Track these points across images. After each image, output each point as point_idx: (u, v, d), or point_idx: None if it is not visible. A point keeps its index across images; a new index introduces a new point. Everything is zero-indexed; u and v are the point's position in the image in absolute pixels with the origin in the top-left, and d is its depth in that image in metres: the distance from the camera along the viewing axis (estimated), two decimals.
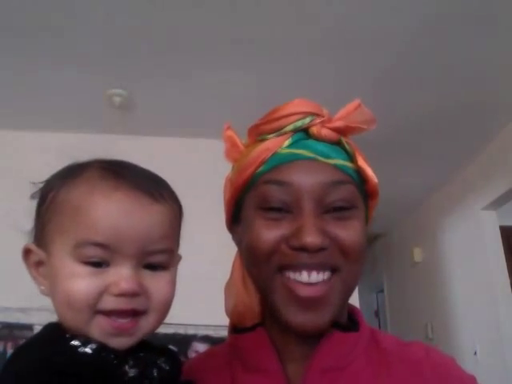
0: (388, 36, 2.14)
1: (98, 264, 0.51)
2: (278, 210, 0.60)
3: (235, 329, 0.69)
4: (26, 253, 0.56)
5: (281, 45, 2.20)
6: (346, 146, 0.64)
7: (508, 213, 3.33)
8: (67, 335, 0.50)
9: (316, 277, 0.58)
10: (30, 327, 2.27)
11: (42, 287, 0.55)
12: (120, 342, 0.51)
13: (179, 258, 0.60)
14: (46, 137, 2.84)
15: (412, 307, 4.24)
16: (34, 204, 0.59)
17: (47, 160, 2.79)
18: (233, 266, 0.73)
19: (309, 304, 0.58)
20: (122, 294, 0.50)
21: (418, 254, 4.08)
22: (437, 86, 2.49)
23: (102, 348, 0.49)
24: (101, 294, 0.50)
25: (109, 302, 0.50)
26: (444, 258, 3.72)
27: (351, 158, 0.64)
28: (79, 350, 0.49)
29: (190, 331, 2.52)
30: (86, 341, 0.49)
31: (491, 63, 2.33)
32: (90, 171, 0.55)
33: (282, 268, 0.59)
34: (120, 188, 0.53)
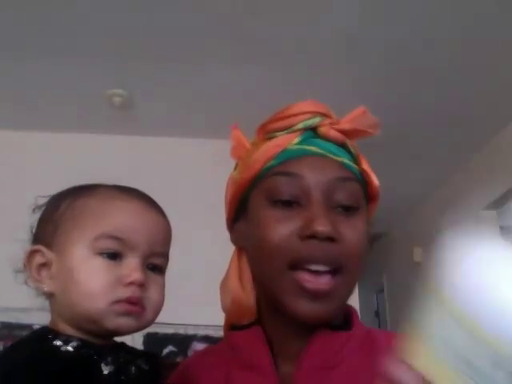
0: (389, 37, 2.15)
1: (113, 257, 0.57)
2: (288, 203, 0.61)
3: (232, 326, 0.70)
4: (31, 255, 0.60)
5: (281, 45, 2.20)
6: (351, 149, 0.66)
7: (508, 213, 3.33)
8: (50, 336, 0.55)
9: (323, 267, 0.59)
10: (29, 327, 2.26)
11: (44, 286, 0.59)
12: (128, 323, 0.57)
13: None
14: (45, 137, 2.85)
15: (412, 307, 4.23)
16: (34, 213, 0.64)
17: (47, 160, 2.78)
18: (229, 263, 0.73)
19: (315, 296, 0.59)
20: (132, 283, 0.57)
21: (418, 254, 4.08)
22: (436, 85, 2.49)
23: (82, 345, 0.54)
24: (115, 284, 0.56)
25: (122, 292, 0.56)
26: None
27: (355, 160, 0.66)
28: (61, 348, 0.54)
29: (190, 331, 2.52)
30: (67, 340, 0.54)
31: (491, 63, 2.33)
32: (106, 187, 0.64)
33: (293, 266, 0.59)
34: (135, 198, 0.62)
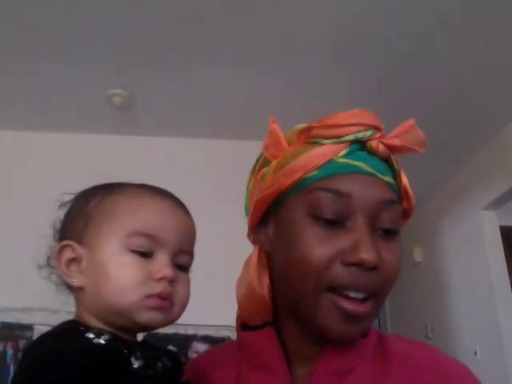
0: (389, 37, 2.15)
1: (144, 254, 0.59)
2: (331, 222, 0.58)
3: (244, 326, 0.69)
4: (61, 250, 0.61)
5: (280, 45, 2.20)
6: (394, 164, 0.64)
7: (508, 213, 3.33)
8: (81, 328, 0.56)
9: (361, 295, 0.58)
10: (30, 327, 2.26)
11: (74, 281, 0.60)
12: (158, 317, 0.59)
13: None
14: (46, 137, 2.85)
15: (412, 307, 4.24)
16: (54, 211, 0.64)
17: (47, 160, 2.79)
18: (248, 263, 0.70)
19: (351, 317, 0.58)
20: (163, 278, 0.58)
21: (418, 254, 4.08)
22: (437, 86, 2.49)
23: (114, 339, 0.55)
24: (146, 279, 0.58)
25: (153, 287, 0.58)
26: (444, 257, 3.73)
27: (395, 176, 0.64)
28: (93, 341, 0.54)
29: (190, 331, 2.52)
30: (98, 332, 0.55)
31: (491, 63, 2.33)
32: (134, 185, 0.65)
33: (331, 289, 0.58)
34: (164, 197, 0.64)
